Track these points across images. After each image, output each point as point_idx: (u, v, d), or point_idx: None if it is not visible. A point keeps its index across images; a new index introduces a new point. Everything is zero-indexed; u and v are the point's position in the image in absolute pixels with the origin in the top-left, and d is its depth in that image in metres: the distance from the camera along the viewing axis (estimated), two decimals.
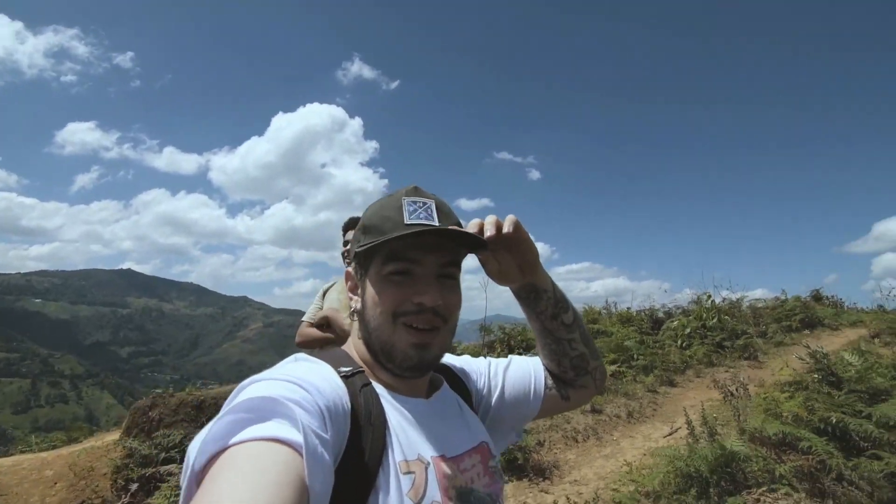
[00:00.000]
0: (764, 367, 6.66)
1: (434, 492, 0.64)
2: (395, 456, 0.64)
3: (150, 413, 5.17)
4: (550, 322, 0.86)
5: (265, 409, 0.50)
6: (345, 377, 0.66)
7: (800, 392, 4.08)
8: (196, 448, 0.49)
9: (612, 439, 4.38)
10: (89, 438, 6.38)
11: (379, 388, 0.70)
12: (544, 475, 3.67)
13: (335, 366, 0.68)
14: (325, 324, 2.23)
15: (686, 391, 5.74)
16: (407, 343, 0.69)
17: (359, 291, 0.75)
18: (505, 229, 0.75)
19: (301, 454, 0.46)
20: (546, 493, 3.35)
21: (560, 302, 0.86)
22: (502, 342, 7.60)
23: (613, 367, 6.05)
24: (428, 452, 0.68)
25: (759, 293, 11.52)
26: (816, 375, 4.21)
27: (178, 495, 3.48)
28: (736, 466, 2.91)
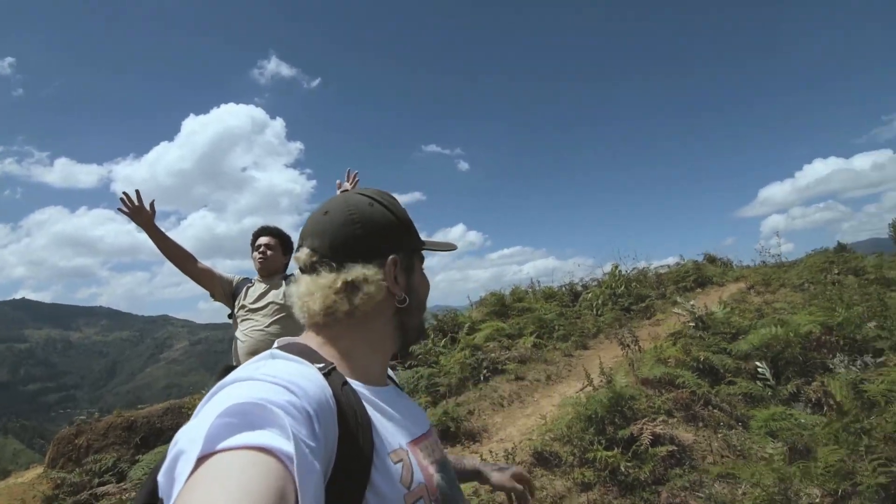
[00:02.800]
0: (662, 323, 7.60)
1: (419, 474, 0.67)
2: (385, 448, 0.65)
3: (76, 441, 5.00)
4: None
5: (255, 416, 0.47)
6: (325, 375, 0.64)
7: (680, 339, 4.85)
8: (182, 443, 0.46)
9: (534, 400, 4.92)
10: (6, 479, 5.97)
11: (353, 384, 0.69)
12: (475, 438, 4.11)
13: (311, 362, 0.65)
14: None
15: (598, 352, 6.46)
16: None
17: (399, 281, 0.78)
18: None
19: (291, 467, 0.43)
20: (476, 453, 3.77)
21: None
22: (435, 329, 7.99)
23: (534, 339, 6.65)
24: (405, 439, 0.70)
25: (670, 260, 13.01)
26: (692, 324, 5.00)
27: None
28: (625, 405, 3.49)
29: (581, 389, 4.81)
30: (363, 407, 0.65)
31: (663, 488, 2.95)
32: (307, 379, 0.58)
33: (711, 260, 13.55)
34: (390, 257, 0.76)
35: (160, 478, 0.46)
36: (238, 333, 2.65)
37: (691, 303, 5.51)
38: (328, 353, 0.73)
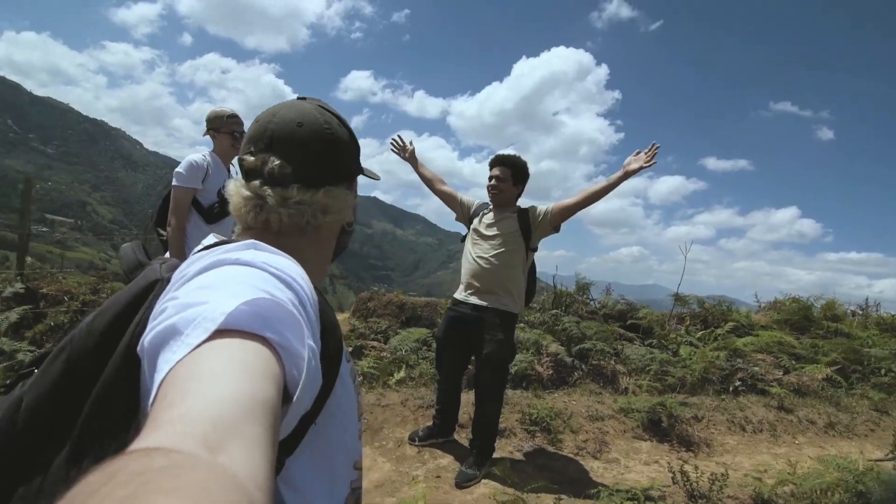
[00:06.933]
0: None
1: (354, 368, 0.75)
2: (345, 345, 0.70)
3: (368, 303, 6.67)
4: None
5: (275, 313, 0.47)
6: None
7: None
8: (189, 312, 0.45)
9: (794, 443, 3.81)
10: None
11: None
12: (688, 446, 3.51)
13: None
14: None
15: None
16: None
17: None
18: None
19: (289, 364, 0.45)
20: (683, 461, 3.25)
21: None
22: (695, 316, 6.89)
23: (830, 371, 5.02)
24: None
25: None
26: None
27: (377, 361, 4.57)
28: None
29: (880, 460, 3.47)
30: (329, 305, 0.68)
31: None
32: (298, 273, 0.56)
33: None
34: (356, 179, 0.81)
35: (146, 342, 0.45)
36: (466, 254, 2.89)
37: None
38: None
